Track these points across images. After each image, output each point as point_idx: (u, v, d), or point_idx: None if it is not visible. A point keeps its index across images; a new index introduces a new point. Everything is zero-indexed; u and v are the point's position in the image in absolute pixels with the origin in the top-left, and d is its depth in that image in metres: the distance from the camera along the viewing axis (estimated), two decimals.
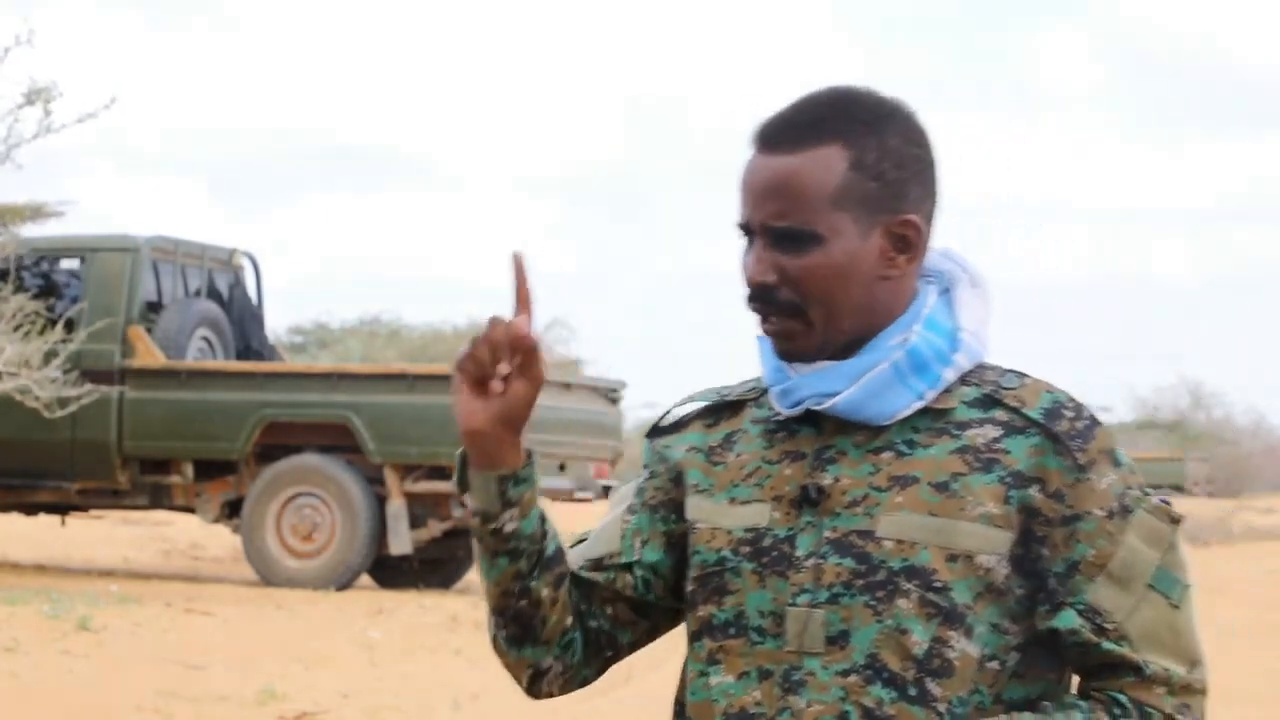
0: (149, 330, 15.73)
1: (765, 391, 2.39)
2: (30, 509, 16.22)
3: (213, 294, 16.69)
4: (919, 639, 2.23)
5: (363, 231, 55.76)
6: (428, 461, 15.20)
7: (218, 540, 19.09)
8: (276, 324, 40.75)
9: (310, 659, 10.79)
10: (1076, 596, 2.24)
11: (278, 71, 56.33)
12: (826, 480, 2.29)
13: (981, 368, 2.31)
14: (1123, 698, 2.24)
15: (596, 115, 56.78)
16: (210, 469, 15.65)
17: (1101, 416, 2.31)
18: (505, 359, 2.29)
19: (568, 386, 16.40)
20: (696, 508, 2.37)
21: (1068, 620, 2.24)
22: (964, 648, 2.23)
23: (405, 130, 56.89)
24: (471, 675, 10.71)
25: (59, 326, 14.86)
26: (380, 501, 15.17)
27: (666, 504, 2.42)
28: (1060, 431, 2.25)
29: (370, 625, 12.60)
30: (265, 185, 57.44)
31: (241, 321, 16.88)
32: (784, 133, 2.28)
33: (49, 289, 15.80)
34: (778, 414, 2.35)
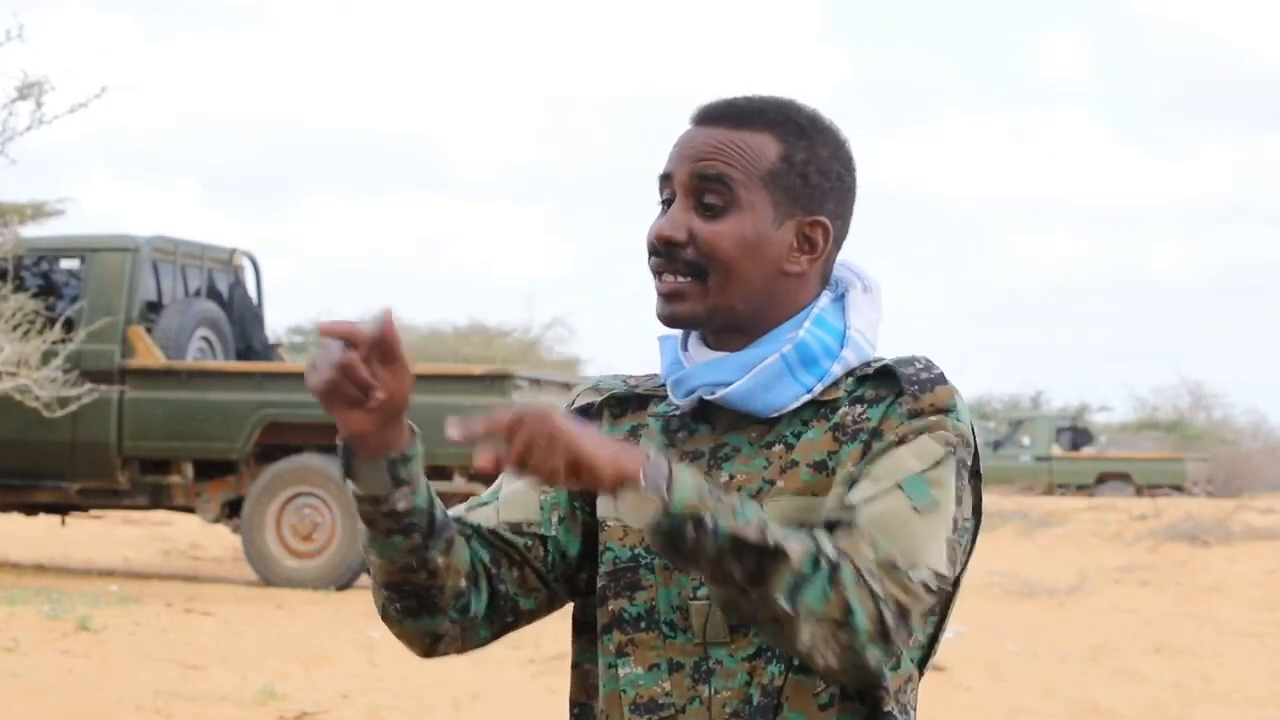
0: (149, 330, 15.73)
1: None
2: (30, 509, 16.22)
3: (213, 294, 16.69)
4: None
5: (363, 231, 55.78)
6: (428, 461, 15.14)
7: (218, 540, 19.09)
8: (276, 324, 40.76)
9: (310, 659, 10.79)
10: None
11: (278, 71, 56.37)
12: (723, 478, 2.34)
13: (868, 363, 2.38)
14: (825, 535, 2.24)
15: (596, 115, 56.78)
16: (210, 469, 15.65)
17: (951, 379, 2.34)
18: (369, 372, 2.28)
19: (568, 386, 16.40)
20: (606, 505, 2.32)
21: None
22: None
23: (405, 130, 56.90)
24: (471, 675, 10.71)
25: (58, 326, 14.86)
26: None
27: (583, 494, 2.45)
28: (903, 374, 2.32)
29: (370, 625, 12.60)
30: (265, 185, 57.47)
31: (241, 321, 16.88)
32: (726, 112, 2.38)
33: (49, 288, 15.80)
34: (676, 409, 2.41)
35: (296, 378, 15.95)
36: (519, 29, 55.81)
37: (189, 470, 15.56)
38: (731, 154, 2.35)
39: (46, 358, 14.66)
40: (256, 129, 57.01)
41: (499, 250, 55.00)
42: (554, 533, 2.45)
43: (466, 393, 15.22)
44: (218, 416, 15.40)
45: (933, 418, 2.29)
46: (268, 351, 17.11)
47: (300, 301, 62.99)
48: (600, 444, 2.15)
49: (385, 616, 2.44)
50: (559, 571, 2.47)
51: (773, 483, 2.32)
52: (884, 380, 2.34)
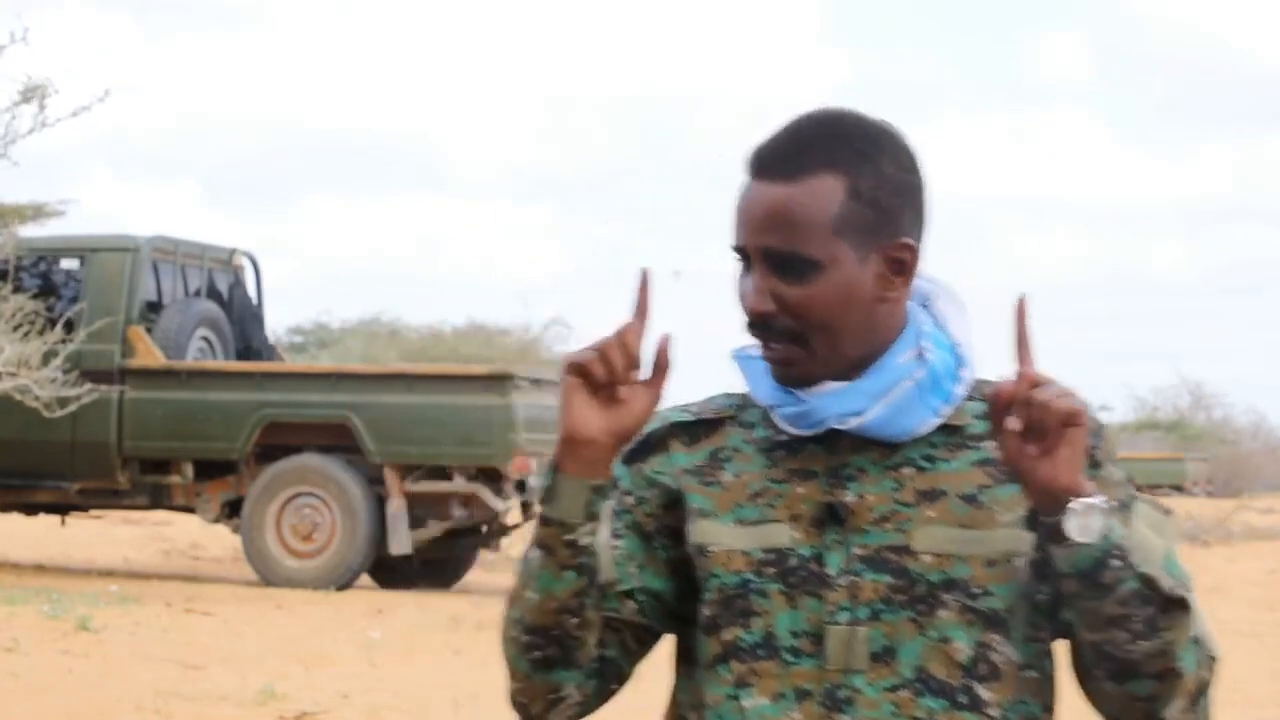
0: (149, 330, 15.73)
1: (742, 409, 2.40)
2: (30, 509, 16.21)
3: (213, 294, 16.69)
4: (963, 645, 2.25)
5: (363, 231, 55.76)
6: (428, 461, 15.19)
7: (218, 540, 19.09)
8: (276, 324, 40.77)
9: (310, 659, 10.79)
10: None
11: (278, 71, 56.36)
12: (849, 498, 2.29)
13: (978, 382, 2.35)
14: None
15: (596, 116, 56.79)
16: (210, 469, 15.65)
17: (1101, 417, 2.34)
18: (638, 367, 2.23)
19: None
20: (704, 531, 2.33)
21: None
22: (1007, 652, 2.27)
23: (405, 130, 56.90)
24: (471, 675, 10.71)
25: (59, 326, 14.86)
26: (380, 501, 15.17)
27: (661, 530, 2.38)
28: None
29: (370, 625, 12.60)
30: (265, 185, 57.46)
31: (241, 321, 16.88)
32: (781, 161, 2.29)
33: (49, 289, 15.79)
34: (776, 434, 2.35)
35: (296, 378, 15.96)
36: (519, 29, 55.85)
37: (189, 470, 15.55)
38: (796, 219, 2.26)
39: (47, 358, 14.66)
40: (256, 129, 57.08)
41: (499, 250, 55.03)
42: (639, 583, 2.37)
43: (467, 393, 15.22)
44: (218, 416, 15.39)
45: (1116, 471, 2.30)
46: (268, 351, 17.11)
47: (300, 301, 63.03)
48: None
49: (515, 664, 2.35)
50: (657, 614, 2.38)
51: (910, 506, 2.28)
52: None
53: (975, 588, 2.25)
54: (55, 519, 16.85)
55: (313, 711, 9.09)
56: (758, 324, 2.29)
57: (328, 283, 56.17)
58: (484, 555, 17.17)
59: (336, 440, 15.33)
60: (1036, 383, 2.16)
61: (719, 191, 58.01)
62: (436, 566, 16.30)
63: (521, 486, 15.34)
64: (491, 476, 15.19)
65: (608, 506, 2.34)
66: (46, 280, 15.87)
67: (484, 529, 16.27)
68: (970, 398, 2.33)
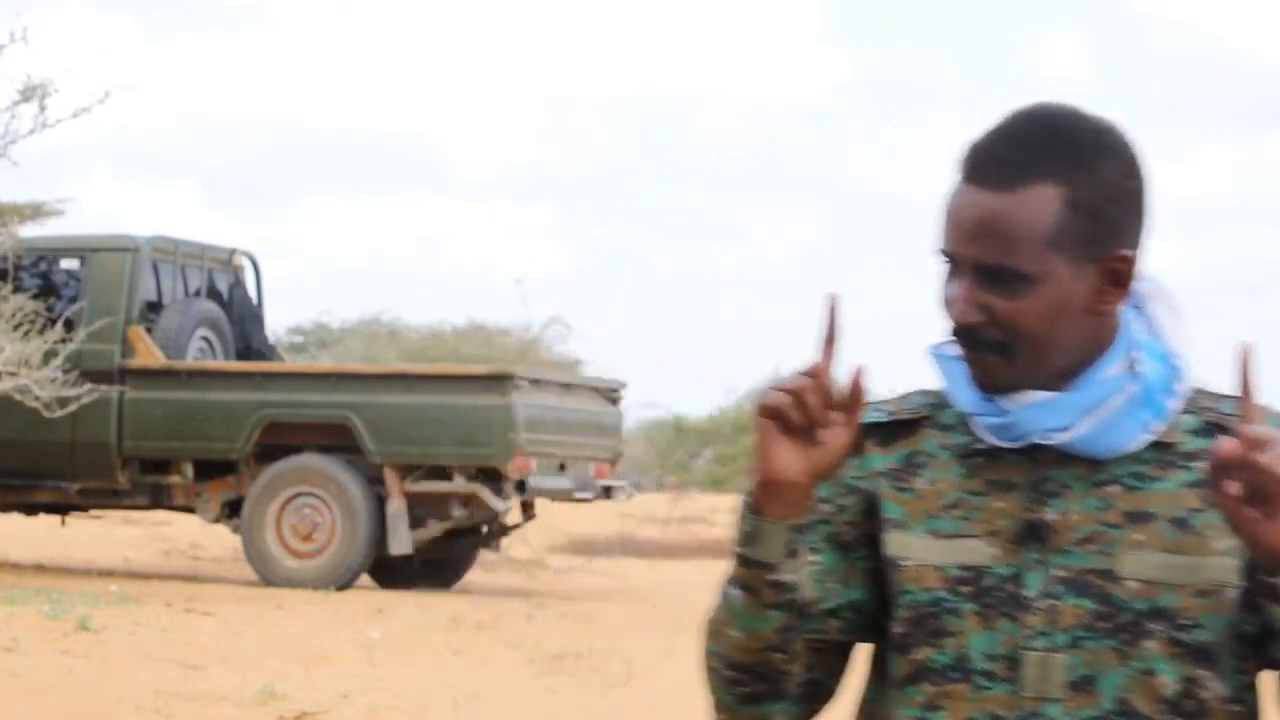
0: (149, 330, 15.73)
1: (939, 409, 2.28)
2: (30, 509, 16.22)
3: (213, 294, 16.68)
4: (1169, 680, 2.14)
5: (363, 231, 55.69)
6: (428, 461, 15.19)
7: (218, 540, 19.09)
8: (276, 324, 40.72)
9: (310, 659, 10.79)
10: None
11: (278, 71, 56.29)
12: (1051, 515, 2.17)
13: (1195, 394, 2.23)
14: None
15: (596, 115, 56.77)
16: (210, 469, 15.65)
17: None
18: (834, 406, 2.12)
19: (568, 386, 16.39)
20: (898, 544, 2.23)
21: None
22: (1216, 688, 2.16)
23: (405, 130, 56.83)
24: (471, 675, 10.71)
25: (59, 326, 14.86)
26: (380, 501, 15.16)
27: (861, 539, 2.27)
28: None
29: (370, 625, 12.60)
30: (265, 185, 57.39)
31: (241, 321, 16.88)
32: (996, 168, 2.16)
33: (48, 289, 15.79)
34: (974, 441, 2.23)
35: (296, 378, 15.96)
36: (519, 29, 55.78)
37: (189, 470, 15.55)
38: (1010, 231, 2.14)
39: (47, 358, 14.66)
40: (256, 129, 56.99)
41: (499, 250, 54.95)
42: (841, 600, 2.26)
43: (467, 393, 15.22)
44: (218, 416, 15.39)
45: None
46: (268, 351, 17.11)
47: (300, 301, 62.85)
48: None
49: (718, 703, 2.29)
50: (860, 628, 2.28)
51: (1116, 527, 2.16)
52: None
53: (1184, 619, 2.14)
54: (55, 519, 16.85)
55: (313, 711, 9.09)
56: (963, 334, 2.18)
57: (328, 283, 56.08)
58: (484, 555, 17.17)
59: (336, 440, 15.33)
60: (1259, 444, 2.01)
61: (719, 192, 58.02)
62: (436, 566, 16.30)
63: (521, 486, 15.34)
64: (491, 476, 15.19)
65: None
66: (47, 280, 15.87)
67: (484, 529, 16.27)
68: (1185, 411, 2.21)
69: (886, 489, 2.25)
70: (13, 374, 14.42)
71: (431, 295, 58.70)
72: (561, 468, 15.87)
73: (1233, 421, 2.14)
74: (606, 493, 16.58)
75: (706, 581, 19.40)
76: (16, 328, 14.63)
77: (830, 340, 2.13)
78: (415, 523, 15.21)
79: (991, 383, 2.19)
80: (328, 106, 56.21)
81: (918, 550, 2.22)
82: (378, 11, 55.82)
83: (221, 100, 54.19)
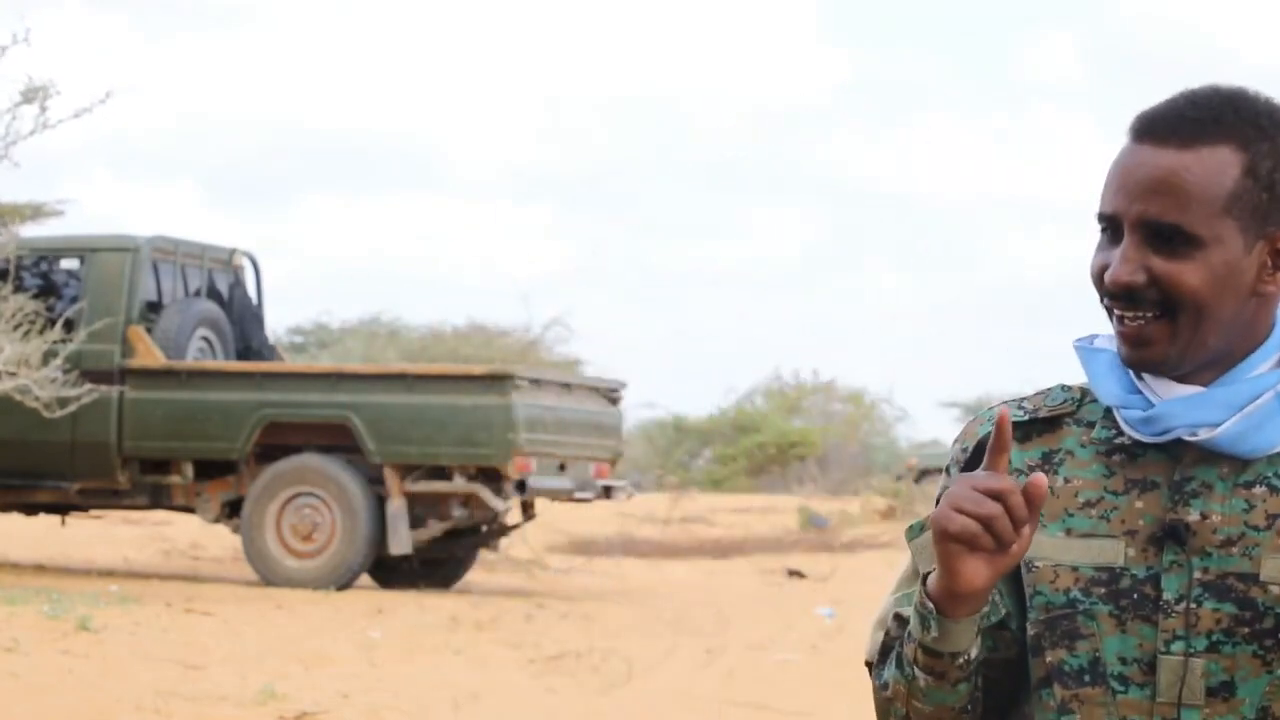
0: (149, 330, 15.73)
1: (1080, 405, 2.23)
2: (30, 509, 16.21)
3: (213, 294, 16.68)
4: None
5: (363, 231, 55.66)
6: (428, 461, 15.19)
7: (218, 540, 19.10)
8: (276, 324, 40.75)
9: (310, 659, 10.79)
10: None
11: (278, 71, 56.26)
12: (1192, 516, 2.11)
13: None
14: None
15: (596, 115, 56.76)
16: (210, 469, 15.65)
17: None
18: (1017, 518, 2.04)
19: (568, 386, 16.39)
20: (1032, 543, 2.12)
21: None
22: None
23: (405, 130, 56.81)
24: (471, 675, 10.71)
25: (59, 326, 14.86)
26: (380, 501, 15.17)
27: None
28: None
29: (370, 625, 12.60)
30: (265, 185, 57.37)
31: (241, 321, 16.88)
32: (1176, 126, 2.11)
33: (49, 289, 15.79)
34: (1115, 435, 2.18)
35: (296, 378, 15.96)
36: (518, 29, 55.76)
37: (189, 470, 15.55)
38: (1186, 189, 2.08)
39: (47, 358, 14.66)
40: (256, 129, 56.97)
41: (499, 250, 54.96)
42: (1006, 609, 2.22)
43: (467, 393, 15.23)
44: (218, 416, 15.40)
45: None
46: (268, 351, 17.11)
47: (300, 301, 62.87)
48: None
49: None
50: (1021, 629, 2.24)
51: (1260, 529, 2.10)
52: None
53: None
54: (55, 519, 16.85)
55: (313, 711, 9.09)
56: (1122, 295, 2.11)
57: (328, 283, 56.08)
58: (484, 555, 17.17)
59: (336, 440, 15.33)
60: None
61: (719, 191, 58.01)
62: (436, 566, 16.30)
63: (521, 486, 15.34)
64: (491, 476, 15.19)
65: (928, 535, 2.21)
66: (47, 280, 15.87)
67: (484, 529, 16.28)
68: None
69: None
70: (13, 374, 14.42)
71: (431, 295, 58.74)
72: (561, 468, 15.87)
73: None
74: (606, 493, 16.58)
75: (706, 582, 19.42)
76: (17, 328, 14.63)
77: (1002, 453, 2.05)
78: (415, 523, 15.22)
79: (1143, 355, 2.13)
80: (327, 106, 56.23)
81: (1051, 550, 2.17)
82: (377, 11, 55.84)
83: (221, 100, 54.21)
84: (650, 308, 57.92)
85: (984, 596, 2.08)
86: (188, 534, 20.23)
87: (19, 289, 15.29)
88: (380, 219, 56.32)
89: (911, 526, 2.25)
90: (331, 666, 10.63)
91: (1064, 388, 2.25)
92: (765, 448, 36.20)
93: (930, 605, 2.09)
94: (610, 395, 16.92)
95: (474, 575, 17.15)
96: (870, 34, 58.14)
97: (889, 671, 2.18)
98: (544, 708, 10.07)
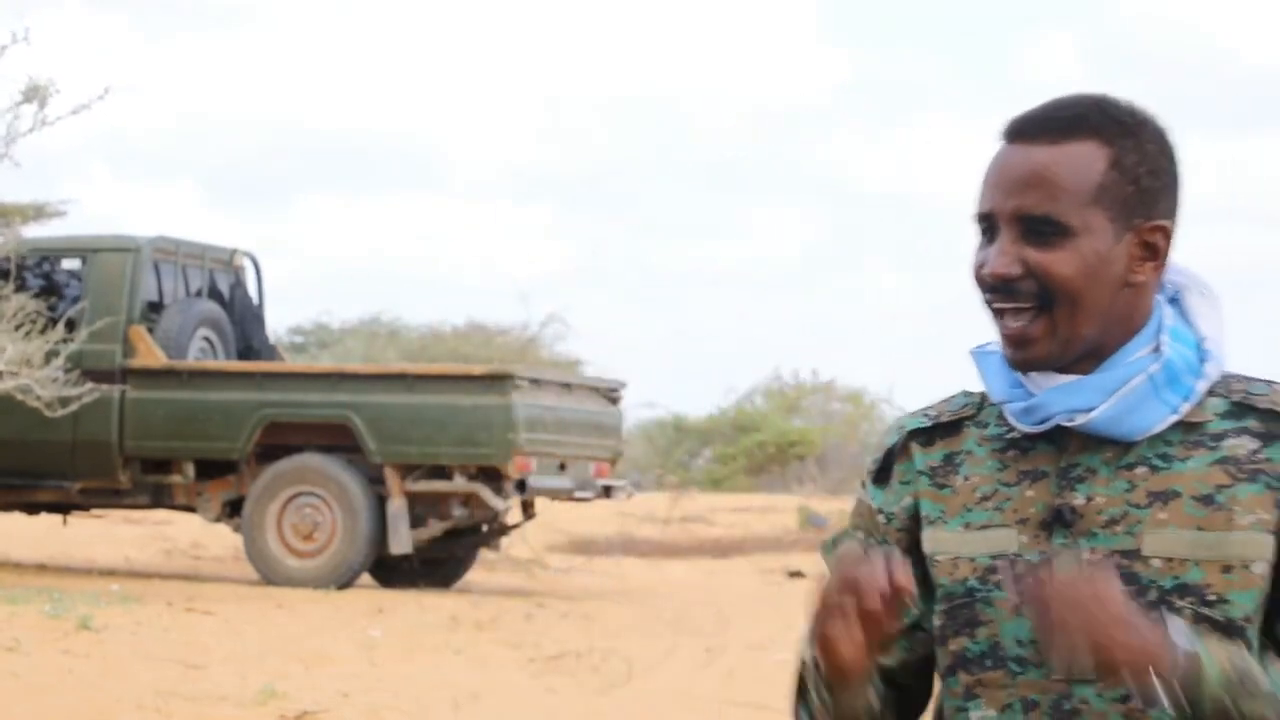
0: (150, 330, 15.75)
1: (981, 409, 2.32)
2: (31, 508, 16.23)
3: (214, 294, 16.71)
4: None
5: (363, 231, 55.64)
6: (428, 461, 15.21)
7: (218, 540, 19.12)
8: (277, 324, 40.72)
9: (310, 659, 10.81)
10: None
11: (278, 71, 56.26)
12: (1078, 500, 2.21)
13: (1226, 377, 2.25)
14: None
15: (595, 115, 56.76)
16: (211, 468, 15.67)
17: None
18: (894, 606, 2.15)
19: (568, 386, 16.41)
20: (932, 540, 2.28)
21: None
22: None
23: (405, 130, 56.80)
24: (471, 675, 10.73)
25: (60, 326, 14.88)
26: (380, 501, 15.19)
27: (914, 544, 2.33)
28: None
29: (370, 625, 12.62)
30: (265, 185, 57.35)
31: (242, 321, 16.90)
32: (1044, 125, 2.22)
33: (50, 289, 15.81)
34: (1008, 431, 2.28)
35: (297, 378, 15.98)
36: (518, 29, 55.77)
37: (190, 470, 15.57)
38: (1056, 181, 2.18)
39: (48, 357, 14.68)
40: (256, 129, 56.94)
41: (499, 250, 54.95)
42: (919, 611, 2.33)
43: (467, 393, 15.24)
44: (218, 416, 15.42)
45: None
46: (268, 351, 17.13)
47: (300, 301, 62.78)
48: (1129, 628, 2.06)
49: None
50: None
51: (1141, 508, 2.19)
52: (1275, 418, 2.20)
53: (1210, 594, 2.16)
54: (57, 518, 16.87)
55: (313, 711, 9.11)
56: (1000, 288, 2.21)
57: (328, 283, 56.02)
58: (484, 555, 17.19)
59: (337, 440, 15.35)
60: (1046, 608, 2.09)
61: (719, 191, 57.98)
62: (436, 566, 16.32)
63: (521, 486, 15.36)
64: (491, 476, 15.21)
65: (857, 541, 2.33)
66: (48, 280, 15.89)
67: (484, 529, 16.30)
68: (1214, 394, 2.23)
69: (925, 488, 2.31)
70: (14, 374, 14.44)
71: (431, 295, 58.70)
72: (561, 467, 15.90)
73: (1261, 401, 2.22)
74: (606, 492, 16.60)
75: (706, 581, 19.44)
76: (18, 328, 14.65)
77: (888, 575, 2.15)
78: (415, 522, 15.24)
79: (1024, 355, 2.21)
80: (327, 106, 56.23)
81: (951, 544, 2.27)
82: (377, 11, 55.84)
83: (221, 100, 54.20)
84: (650, 308, 57.93)
85: (854, 675, 2.17)
86: (189, 533, 20.25)
87: (21, 289, 15.31)
88: (380, 219, 56.34)
89: (825, 543, 2.37)
90: (331, 666, 10.65)
91: (966, 394, 2.36)
92: (765, 447, 36.21)
93: (820, 674, 2.22)
94: (610, 395, 16.94)
95: (474, 575, 17.17)
96: (871, 34, 58.15)
97: (803, 714, 2.30)
98: (544, 708, 10.09)
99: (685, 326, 57.02)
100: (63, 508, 16.27)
